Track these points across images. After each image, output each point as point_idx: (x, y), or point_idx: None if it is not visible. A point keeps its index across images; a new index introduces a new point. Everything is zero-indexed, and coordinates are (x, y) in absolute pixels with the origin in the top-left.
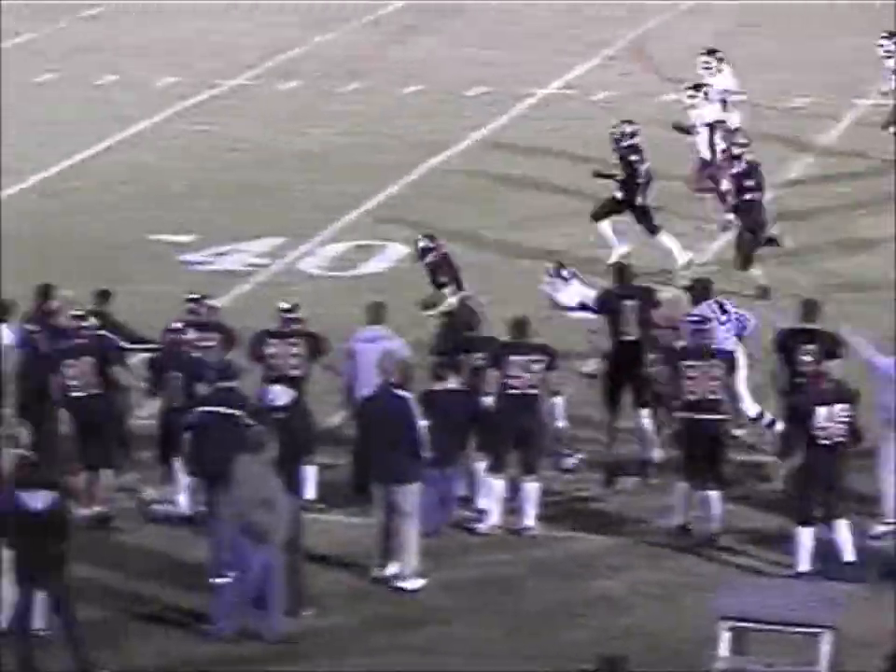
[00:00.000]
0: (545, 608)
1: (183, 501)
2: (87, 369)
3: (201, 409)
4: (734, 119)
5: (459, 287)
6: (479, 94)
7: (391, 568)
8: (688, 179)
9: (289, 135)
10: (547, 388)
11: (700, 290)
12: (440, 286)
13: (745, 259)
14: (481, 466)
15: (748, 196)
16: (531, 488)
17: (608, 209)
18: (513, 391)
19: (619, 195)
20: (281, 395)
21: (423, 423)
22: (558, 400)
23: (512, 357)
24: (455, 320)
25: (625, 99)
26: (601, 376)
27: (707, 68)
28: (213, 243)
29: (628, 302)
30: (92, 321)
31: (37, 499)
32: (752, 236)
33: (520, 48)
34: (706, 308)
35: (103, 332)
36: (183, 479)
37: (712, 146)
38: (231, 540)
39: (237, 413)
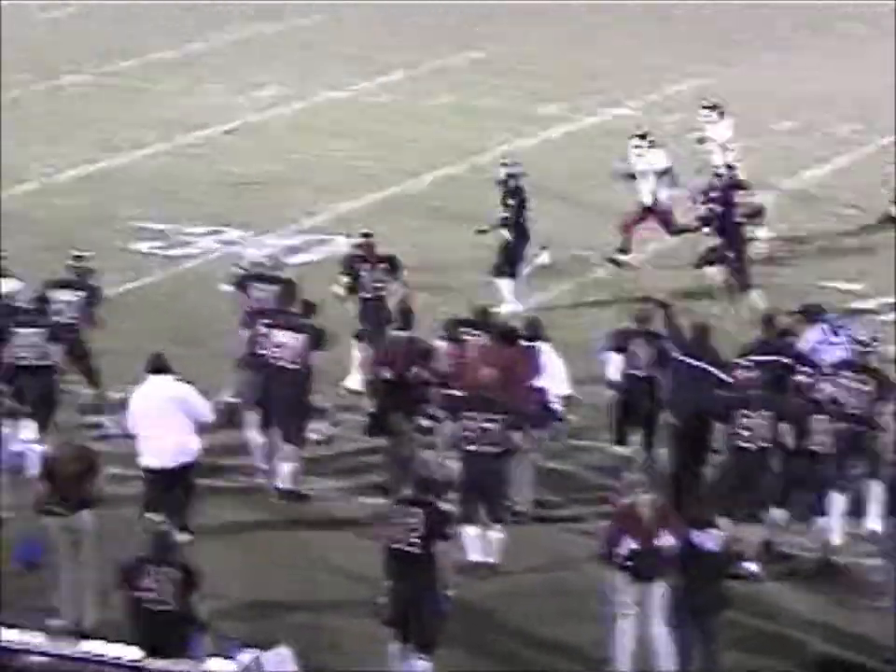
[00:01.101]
0: None
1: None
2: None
3: None
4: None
5: None
6: None
7: None
8: (624, 222)
9: None
10: None
11: (814, 312)
12: None
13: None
14: None
15: (736, 220)
16: None
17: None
18: None
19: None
20: None
21: None
22: None
23: None
24: None
25: None
26: None
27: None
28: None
29: None
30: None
31: (709, 539)
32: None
33: None
34: (818, 330)
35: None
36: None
37: (654, 192)
38: None
39: None
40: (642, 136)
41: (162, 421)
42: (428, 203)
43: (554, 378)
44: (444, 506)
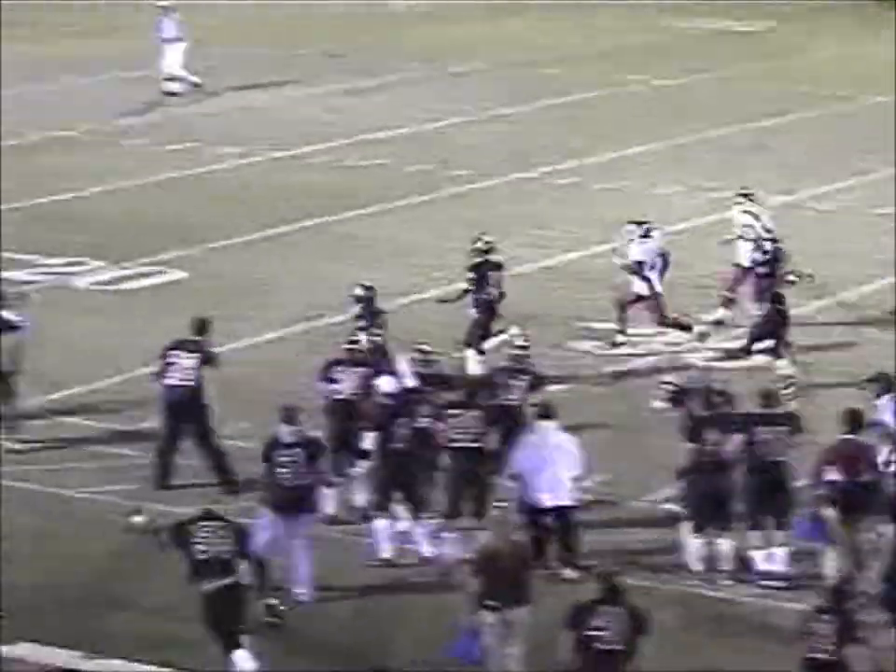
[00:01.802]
0: None
1: None
2: None
3: None
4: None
5: None
6: None
7: None
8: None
9: None
10: None
11: (884, 384)
12: None
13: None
14: None
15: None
16: None
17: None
18: None
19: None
20: None
21: None
22: None
23: None
24: None
25: None
26: None
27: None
28: None
29: None
30: None
31: None
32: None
33: None
34: (886, 401)
35: None
36: None
37: (649, 280)
38: None
39: None
40: (639, 224)
41: (550, 462)
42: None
43: None
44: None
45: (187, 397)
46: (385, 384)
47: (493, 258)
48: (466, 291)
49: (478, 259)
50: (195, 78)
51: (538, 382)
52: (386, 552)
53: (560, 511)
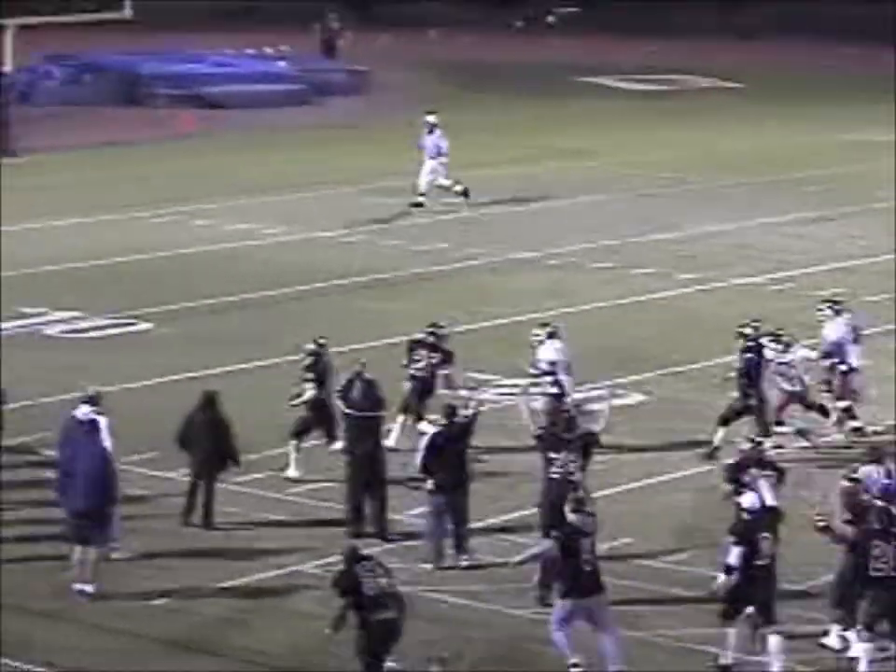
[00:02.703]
0: None
1: None
2: None
3: None
4: None
5: None
6: None
7: None
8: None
9: None
10: None
11: (874, 455)
12: None
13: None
14: None
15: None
16: None
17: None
18: None
19: None
20: None
21: None
22: None
23: None
24: None
25: None
26: None
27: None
28: None
29: None
30: None
31: None
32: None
33: None
34: (872, 470)
35: None
36: None
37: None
38: None
39: None
40: (542, 324)
41: None
42: None
43: None
44: None
45: None
46: (746, 500)
47: (430, 339)
48: (405, 365)
49: (416, 337)
50: (459, 188)
51: None
52: (728, 658)
53: None
